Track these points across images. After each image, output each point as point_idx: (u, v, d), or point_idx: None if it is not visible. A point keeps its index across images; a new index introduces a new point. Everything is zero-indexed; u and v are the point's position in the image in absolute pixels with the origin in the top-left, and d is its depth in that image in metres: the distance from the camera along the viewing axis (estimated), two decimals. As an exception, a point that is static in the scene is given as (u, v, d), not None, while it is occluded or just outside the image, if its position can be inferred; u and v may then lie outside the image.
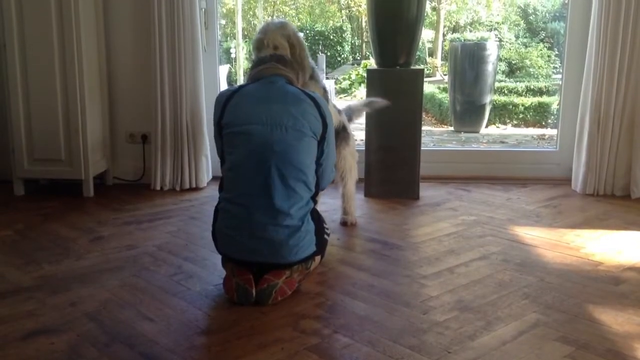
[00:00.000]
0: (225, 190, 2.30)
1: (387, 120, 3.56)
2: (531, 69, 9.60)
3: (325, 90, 2.89)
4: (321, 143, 2.32)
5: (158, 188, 3.89)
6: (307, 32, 12.14)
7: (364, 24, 12.48)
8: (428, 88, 8.77)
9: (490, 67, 7.58)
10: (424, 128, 4.06)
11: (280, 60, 2.45)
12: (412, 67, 3.70)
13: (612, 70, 3.56)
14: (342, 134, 2.97)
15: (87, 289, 2.32)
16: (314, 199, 2.34)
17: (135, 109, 4.04)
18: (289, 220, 2.20)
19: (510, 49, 10.29)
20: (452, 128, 7.86)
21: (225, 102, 2.31)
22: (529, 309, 2.13)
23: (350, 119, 3.19)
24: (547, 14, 10.99)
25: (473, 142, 7.10)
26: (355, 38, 13.18)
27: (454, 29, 12.07)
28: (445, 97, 8.34)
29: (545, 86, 8.45)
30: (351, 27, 13.19)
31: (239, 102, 2.30)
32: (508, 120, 8.04)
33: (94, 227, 3.11)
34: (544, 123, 7.89)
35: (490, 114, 7.77)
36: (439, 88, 9.14)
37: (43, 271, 2.50)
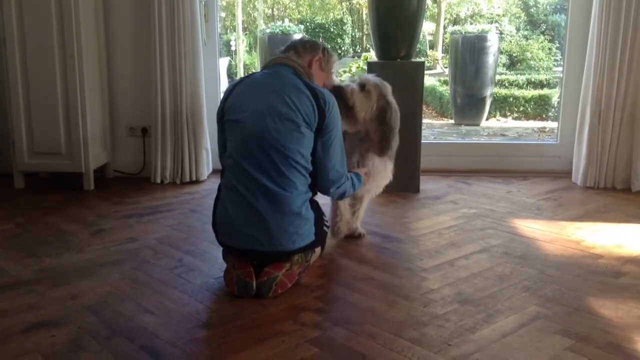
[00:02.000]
0: (225, 178, 2.32)
1: (388, 113, 3.55)
2: (532, 62, 9.57)
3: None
4: (318, 134, 2.29)
5: (158, 181, 3.88)
6: (308, 24, 12.11)
7: (364, 17, 12.44)
8: (428, 81, 8.74)
9: (490, 60, 7.56)
10: (424, 121, 4.05)
11: (295, 49, 2.45)
12: (413, 60, 3.69)
13: (613, 63, 3.55)
14: None
15: (87, 282, 2.32)
16: (312, 188, 2.34)
17: (135, 102, 4.03)
18: (286, 207, 2.21)
19: (511, 42, 10.26)
20: (452, 121, 7.85)
21: (231, 90, 2.36)
22: (529, 302, 2.13)
23: None
24: (548, 6, 10.95)
25: (473, 135, 7.09)
26: (356, 30, 13.14)
27: (455, 22, 12.04)
28: (445, 89, 8.32)
29: (546, 79, 8.42)
30: (352, 20, 13.14)
31: (242, 90, 2.33)
32: (509, 113, 8.02)
33: (94, 220, 3.11)
34: (544, 116, 7.87)
35: (490, 106, 7.75)
36: (439, 81, 9.11)
37: (43, 264, 2.50)
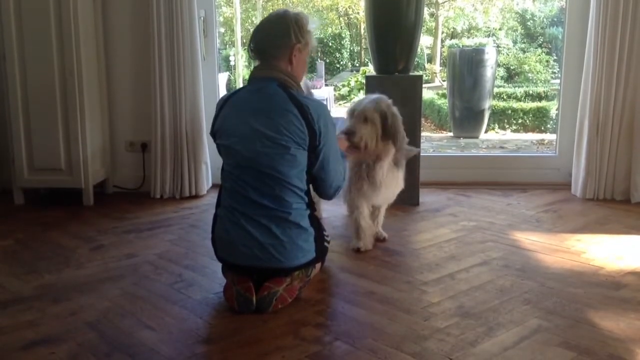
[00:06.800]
0: (222, 197, 2.33)
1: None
2: (530, 74, 9.62)
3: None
4: (313, 150, 2.26)
5: (158, 196, 3.89)
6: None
7: (362, 31, 12.51)
8: (427, 94, 8.79)
9: (488, 73, 7.60)
10: (423, 134, 4.06)
11: (270, 53, 2.30)
12: (411, 73, 3.71)
13: (611, 75, 3.57)
14: None
15: (87, 298, 2.31)
16: (309, 205, 2.34)
17: (134, 118, 4.05)
18: (285, 223, 2.21)
19: (508, 55, 10.31)
20: (451, 134, 7.87)
21: (220, 109, 2.34)
22: (530, 315, 2.12)
23: None
24: (545, 19, 11.02)
25: (472, 148, 7.11)
26: (354, 45, 13.22)
27: (452, 35, 12.10)
28: (444, 102, 8.35)
29: (544, 91, 8.47)
30: (350, 34, 13.23)
31: (229, 113, 2.30)
32: (507, 126, 8.06)
33: (94, 236, 3.11)
34: (543, 128, 7.90)
35: (489, 119, 7.78)
36: (437, 94, 9.16)
37: (43, 280, 2.50)
